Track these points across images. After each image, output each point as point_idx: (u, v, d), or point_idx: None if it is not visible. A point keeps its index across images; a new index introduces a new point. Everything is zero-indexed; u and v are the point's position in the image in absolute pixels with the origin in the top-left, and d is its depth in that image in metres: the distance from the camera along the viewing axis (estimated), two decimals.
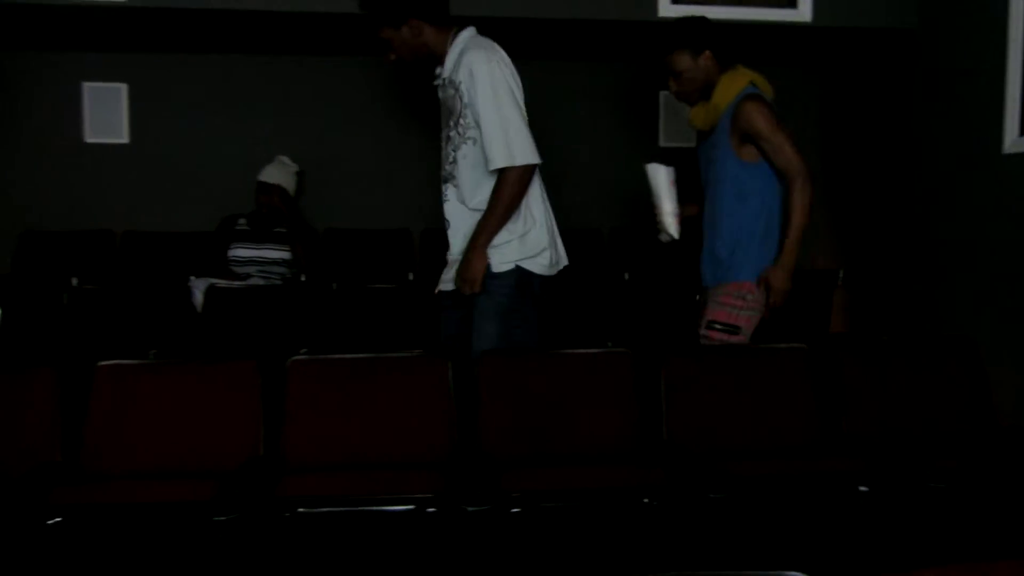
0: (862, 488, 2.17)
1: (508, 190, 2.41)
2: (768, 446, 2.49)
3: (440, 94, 2.54)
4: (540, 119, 4.55)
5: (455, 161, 2.48)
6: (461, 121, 2.41)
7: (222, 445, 2.44)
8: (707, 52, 2.67)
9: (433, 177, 4.52)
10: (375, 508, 2.14)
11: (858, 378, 2.72)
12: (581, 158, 4.79)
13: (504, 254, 2.51)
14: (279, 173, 4.19)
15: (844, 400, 2.65)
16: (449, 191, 2.55)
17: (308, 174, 4.53)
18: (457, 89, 2.40)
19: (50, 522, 2.09)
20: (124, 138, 4.64)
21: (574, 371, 2.62)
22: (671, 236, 2.81)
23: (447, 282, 2.65)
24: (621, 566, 2.05)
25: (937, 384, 2.76)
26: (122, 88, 4.61)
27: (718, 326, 2.76)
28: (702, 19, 2.75)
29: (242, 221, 4.14)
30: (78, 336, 3.49)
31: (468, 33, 2.50)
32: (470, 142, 2.43)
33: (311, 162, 4.56)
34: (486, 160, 2.41)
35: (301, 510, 2.11)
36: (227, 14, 3.73)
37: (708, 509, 2.10)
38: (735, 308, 2.77)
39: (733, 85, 2.65)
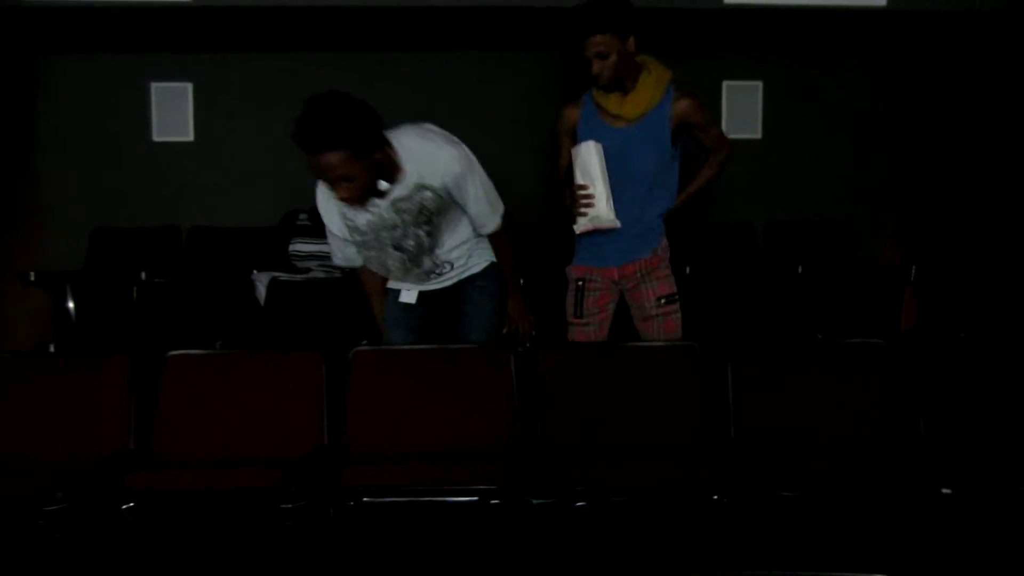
0: (944, 490, 2.08)
1: (505, 238, 2.67)
2: (841, 444, 2.41)
3: (399, 203, 2.40)
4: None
5: (432, 233, 2.49)
6: (439, 210, 2.44)
7: (288, 434, 2.47)
8: (632, 37, 2.56)
9: (502, 169, 4.56)
10: (439, 499, 2.13)
11: (936, 376, 2.60)
12: None
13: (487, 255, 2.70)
14: None
15: (924, 398, 2.54)
16: (445, 253, 2.59)
17: None
18: (434, 191, 2.40)
19: (124, 507, 2.13)
20: (189, 136, 4.72)
21: (639, 364, 2.57)
22: (611, 221, 2.60)
23: (419, 286, 2.69)
24: (690, 564, 2.00)
25: (1018, 383, 2.63)
26: (187, 87, 4.69)
27: (664, 300, 2.72)
28: (627, 0, 2.59)
29: (303, 216, 4.16)
30: (147, 328, 3.56)
31: (403, 137, 2.44)
32: (448, 213, 2.49)
33: None
34: (474, 224, 2.58)
35: (366, 499, 2.11)
36: (289, 11, 3.76)
37: (781, 508, 2.02)
38: (670, 277, 2.78)
39: (663, 76, 2.67)
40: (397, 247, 2.45)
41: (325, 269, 4.01)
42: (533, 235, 4.37)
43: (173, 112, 4.69)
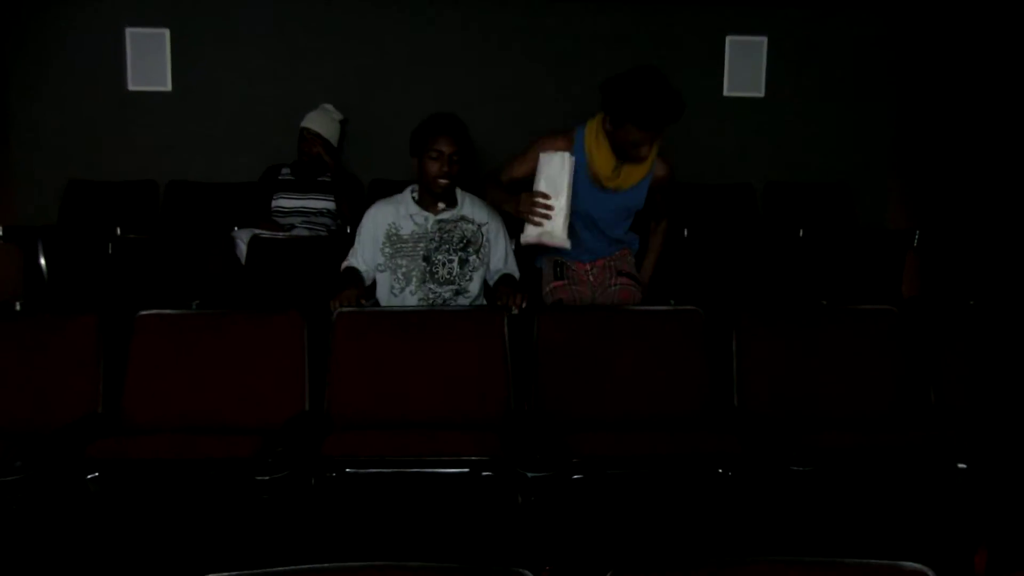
0: (960, 465, 1.97)
1: None
2: (850, 416, 2.30)
3: (445, 226, 2.81)
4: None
5: (471, 279, 2.81)
6: (481, 249, 2.82)
7: (266, 399, 2.34)
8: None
9: (489, 124, 4.43)
10: (427, 470, 2.01)
11: (948, 345, 2.50)
12: None
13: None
14: (323, 122, 4.04)
15: (935, 368, 2.43)
16: (459, 300, 2.81)
17: (354, 123, 4.38)
18: (478, 226, 2.83)
19: (88, 476, 2.00)
20: (167, 86, 4.53)
21: (639, 330, 2.45)
22: (563, 241, 2.48)
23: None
24: (693, 542, 1.89)
25: None
26: (165, 33, 4.49)
27: (622, 274, 2.87)
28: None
29: (286, 171, 4.01)
30: (122, 286, 3.42)
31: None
32: (479, 253, 2.83)
33: (357, 110, 4.40)
34: (493, 266, 2.88)
35: (349, 470, 1.99)
36: None
37: (791, 483, 1.91)
38: (632, 265, 2.93)
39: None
40: (427, 258, 2.77)
41: (309, 226, 3.88)
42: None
43: (149, 60, 4.51)
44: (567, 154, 2.46)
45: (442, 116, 2.76)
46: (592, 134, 2.58)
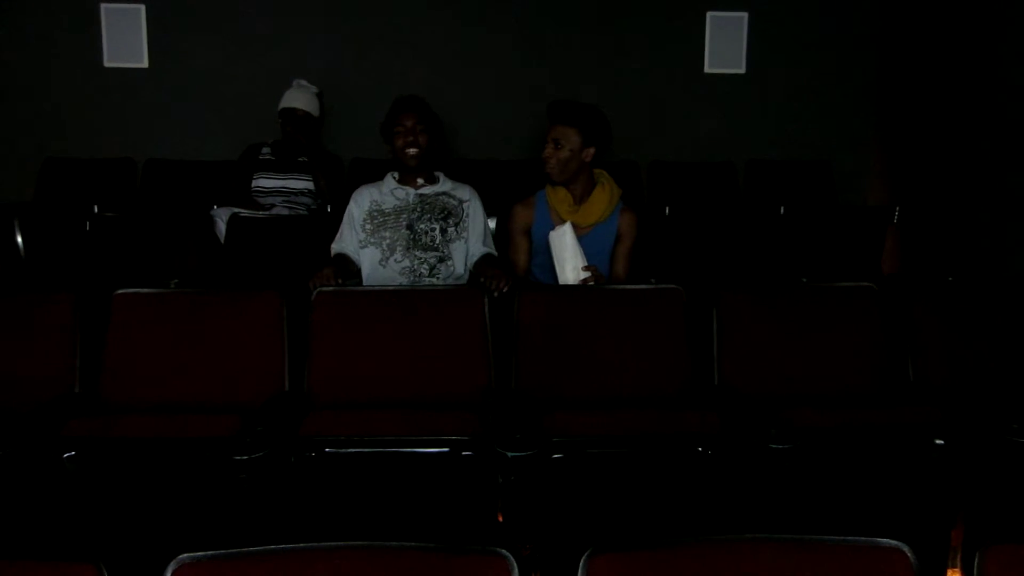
0: (938, 441, 1.99)
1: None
2: (830, 393, 2.31)
3: (426, 199, 2.91)
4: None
5: (452, 248, 2.88)
6: (459, 223, 2.91)
7: (245, 379, 2.31)
8: (592, 148, 2.79)
9: (472, 103, 4.39)
10: (407, 450, 2.00)
11: (927, 321, 2.51)
12: (616, 87, 4.53)
13: None
14: (305, 99, 4.00)
15: (913, 345, 2.45)
16: (442, 269, 2.87)
17: (336, 100, 4.34)
18: (459, 202, 2.94)
19: (65, 455, 1.98)
20: (143, 62, 4.46)
21: (620, 308, 2.44)
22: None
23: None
24: (673, 521, 1.90)
25: (1009, 328, 2.55)
26: (140, 9, 4.41)
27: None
28: (605, 117, 2.86)
29: (266, 150, 3.96)
30: (100, 264, 3.38)
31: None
32: (459, 227, 2.91)
33: (338, 87, 4.36)
34: (470, 250, 2.94)
35: (328, 450, 1.98)
36: None
37: (770, 461, 1.92)
38: None
39: (615, 193, 2.90)
40: (410, 227, 2.86)
41: (289, 206, 3.84)
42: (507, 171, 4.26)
43: (125, 36, 4.44)
44: (552, 232, 2.71)
45: (401, 97, 2.96)
46: (549, 187, 2.89)
